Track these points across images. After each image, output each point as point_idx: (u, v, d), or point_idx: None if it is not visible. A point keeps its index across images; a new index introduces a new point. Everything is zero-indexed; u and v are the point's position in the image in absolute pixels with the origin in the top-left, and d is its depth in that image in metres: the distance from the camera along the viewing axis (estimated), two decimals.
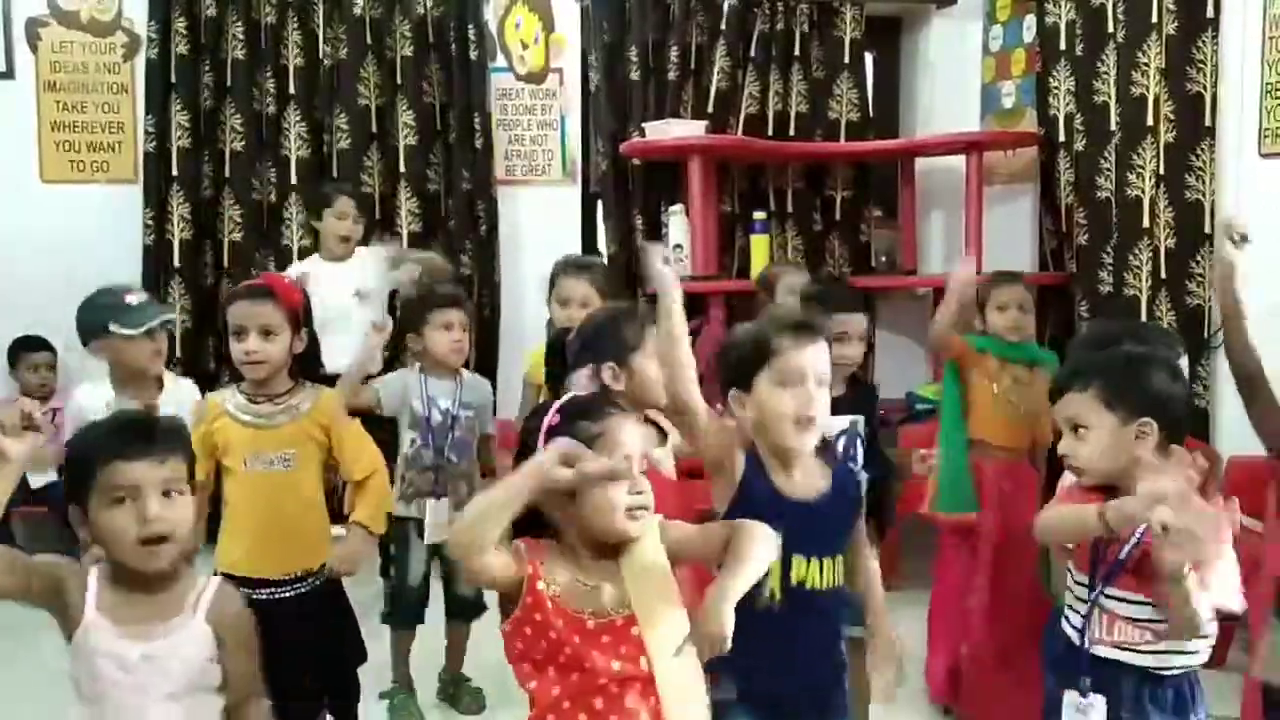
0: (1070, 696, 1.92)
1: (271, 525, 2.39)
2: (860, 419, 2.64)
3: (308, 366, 2.53)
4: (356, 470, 2.52)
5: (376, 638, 2.96)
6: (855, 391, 2.68)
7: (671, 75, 4.92)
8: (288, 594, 2.41)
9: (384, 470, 2.61)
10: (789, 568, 1.83)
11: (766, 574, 1.74)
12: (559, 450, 1.56)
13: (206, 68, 4.66)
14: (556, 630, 1.57)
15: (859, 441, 2.64)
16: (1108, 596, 1.93)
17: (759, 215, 4.91)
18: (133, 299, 2.83)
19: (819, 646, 1.89)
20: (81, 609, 1.65)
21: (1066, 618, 2.02)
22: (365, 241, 4.34)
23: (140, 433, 1.68)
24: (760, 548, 1.64)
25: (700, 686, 1.64)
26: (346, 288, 4.04)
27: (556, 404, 1.70)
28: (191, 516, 1.68)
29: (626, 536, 1.62)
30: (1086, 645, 1.94)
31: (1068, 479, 2.21)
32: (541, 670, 1.60)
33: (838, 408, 2.51)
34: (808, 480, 1.89)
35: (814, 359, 1.85)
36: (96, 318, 2.74)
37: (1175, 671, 1.92)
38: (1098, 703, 1.90)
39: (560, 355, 2.29)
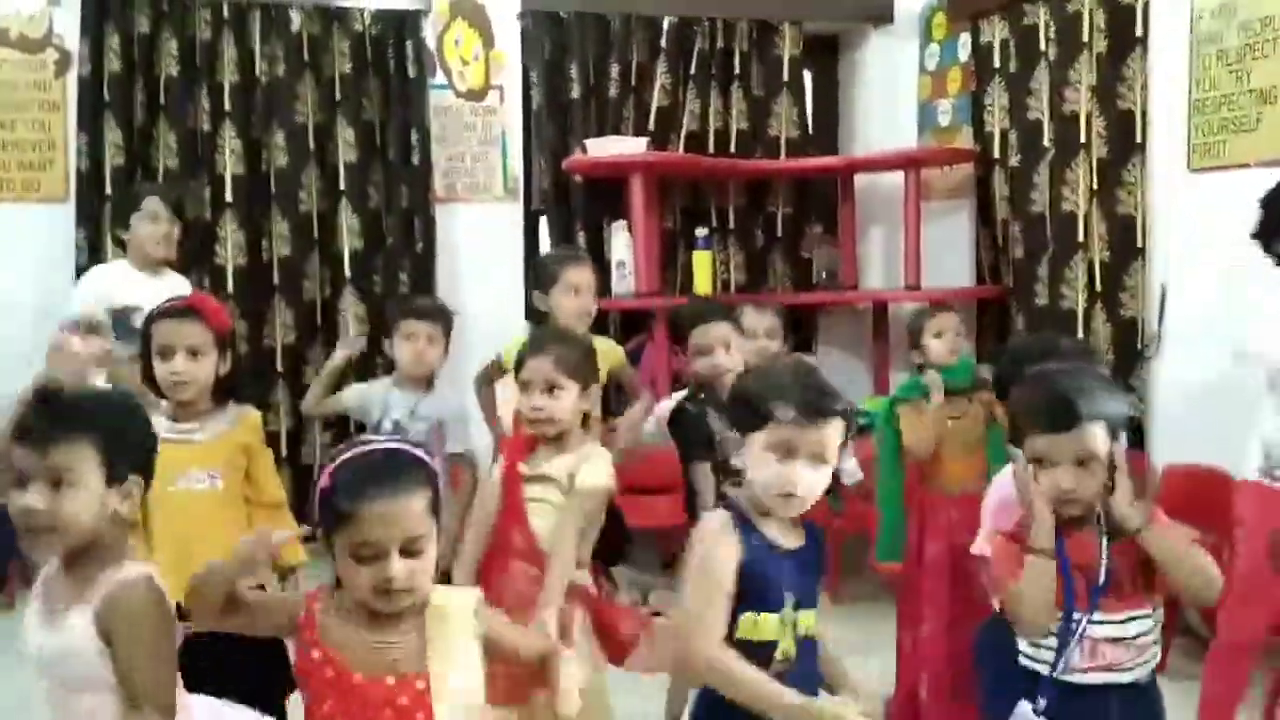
0: (1023, 706, 1.90)
1: (199, 548, 2.30)
2: None
3: (230, 388, 2.47)
4: (266, 495, 2.47)
5: None
6: None
7: (612, 93, 4.94)
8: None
9: (286, 504, 2.57)
10: (797, 625, 1.83)
11: (778, 639, 1.79)
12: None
13: (140, 85, 4.58)
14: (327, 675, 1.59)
15: None
16: (1092, 623, 1.90)
17: (701, 232, 4.94)
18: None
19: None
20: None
21: (1028, 654, 1.98)
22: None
23: (31, 417, 1.62)
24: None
25: None
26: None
27: (331, 465, 1.63)
28: (76, 510, 1.58)
29: (387, 609, 1.59)
30: (1058, 673, 1.91)
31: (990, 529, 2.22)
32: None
33: None
34: (789, 530, 1.87)
35: (812, 440, 1.79)
36: None
37: (1146, 678, 1.94)
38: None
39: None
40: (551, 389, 2.36)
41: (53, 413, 1.62)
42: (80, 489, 1.59)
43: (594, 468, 2.36)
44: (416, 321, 3.14)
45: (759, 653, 1.79)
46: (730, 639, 1.78)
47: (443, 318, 3.24)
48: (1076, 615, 1.89)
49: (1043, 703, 1.90)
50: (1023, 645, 1.98)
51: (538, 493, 2.38)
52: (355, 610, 1.60)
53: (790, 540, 1.85)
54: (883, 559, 3.06)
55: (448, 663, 1.58)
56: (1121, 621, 1.90)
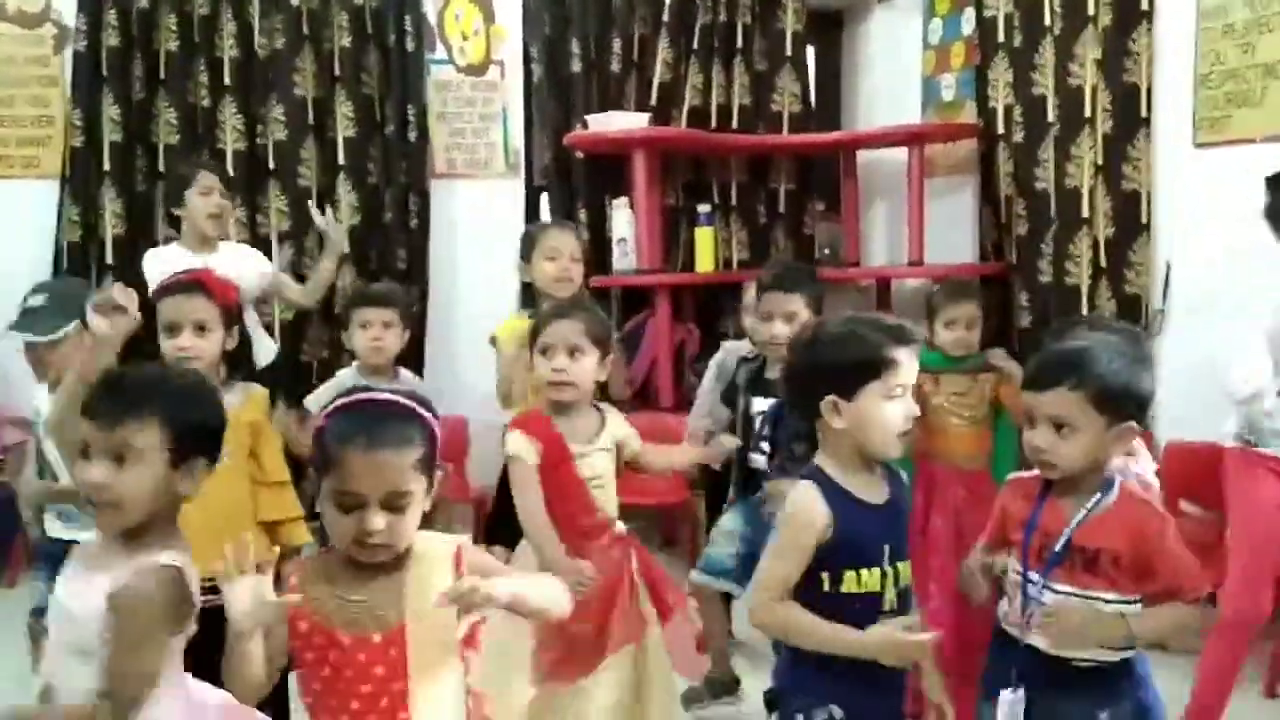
0: (1005, 695, 1.91)
1: (201, 525, 2.30)
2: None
3: (239, 364, 2.46)
4: (271, 474, 2.45)
5: None
6: None
7: (614, 67, 4.90)
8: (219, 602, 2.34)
9: (290, 484, 2.54)
10: (899, 575, 1.88)
11: (882, 589, 1.83)
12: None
13: (139, 60, 4.55)
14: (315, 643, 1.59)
15: (774, 420, 2.81)
16: (1045, 588, 1.91)
17: (703, 208, 4.91)
18: (33, 300, 2.78)
19: None
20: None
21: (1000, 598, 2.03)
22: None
23: (100, 394, 1.65)
24: (547, 592, 1.72)
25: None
26: None
27: (331, 408, 1.64)
28: (138, 487, 1.60)
29: (366, 560, 1.58)
30: (1020, 636, 1.93)
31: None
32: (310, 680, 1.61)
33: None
34: (875, 487, 1.90)
35: (915, 371, 1.88)
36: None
37: (1087, 664, 1.90)
38: (1019, 695, 1.90)
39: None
40: (573, 352, 2.35)
41: (122, 390, 1.65)
42: (143, 466, 1.60)
43: (622, 424, 2.44)
44: (369, 309, 3.13)
45: (868, 604, 1.84)
46: (837, 594, 1.83)
47: (398, 302, 3.21)
48: (1033, 575, 1.93)
49: (1021, 692, 1.91)
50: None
51: (594, 469, 2.37)
52: (339, 568, 1.60)
53: (876, 496, 1.89)
54: None
55: (423, 601, 1.57)
56: (1055, 590, 1.90)
